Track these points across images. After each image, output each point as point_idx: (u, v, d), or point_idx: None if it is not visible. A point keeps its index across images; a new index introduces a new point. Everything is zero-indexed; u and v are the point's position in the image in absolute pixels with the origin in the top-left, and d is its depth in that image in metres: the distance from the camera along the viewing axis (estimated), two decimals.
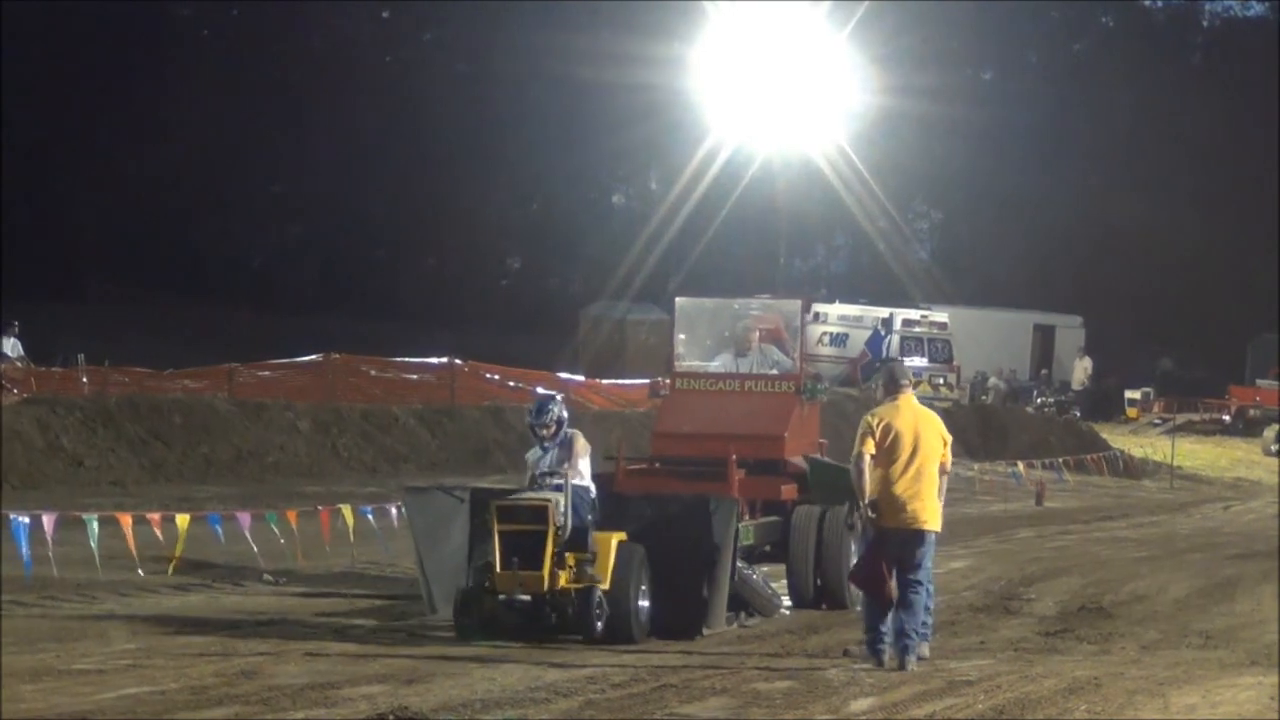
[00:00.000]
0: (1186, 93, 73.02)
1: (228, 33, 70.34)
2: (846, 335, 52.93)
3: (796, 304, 20.38)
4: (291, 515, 21.03)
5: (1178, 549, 27.06)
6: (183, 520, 19.55)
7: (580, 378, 43.36)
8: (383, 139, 67.06)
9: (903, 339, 51.72)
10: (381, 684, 13.07)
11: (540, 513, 15.46)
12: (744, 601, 17.15)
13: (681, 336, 19.66)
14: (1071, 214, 72.15)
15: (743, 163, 56.60)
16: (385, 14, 75.15)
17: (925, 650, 14.52)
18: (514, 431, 33.86)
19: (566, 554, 15.48)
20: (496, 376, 40.94)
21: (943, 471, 14.30)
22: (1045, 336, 61.16)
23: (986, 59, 78.83)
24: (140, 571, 19.26)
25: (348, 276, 68.27)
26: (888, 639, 14.00)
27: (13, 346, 39.60)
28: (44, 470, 28.68)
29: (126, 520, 19.11)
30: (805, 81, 52.63)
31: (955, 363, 53.02)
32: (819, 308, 54.96)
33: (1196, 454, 50.79)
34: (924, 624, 14.45)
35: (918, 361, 50.52)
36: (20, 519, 18.34)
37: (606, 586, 15.50)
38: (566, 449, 15.98)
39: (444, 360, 40.52)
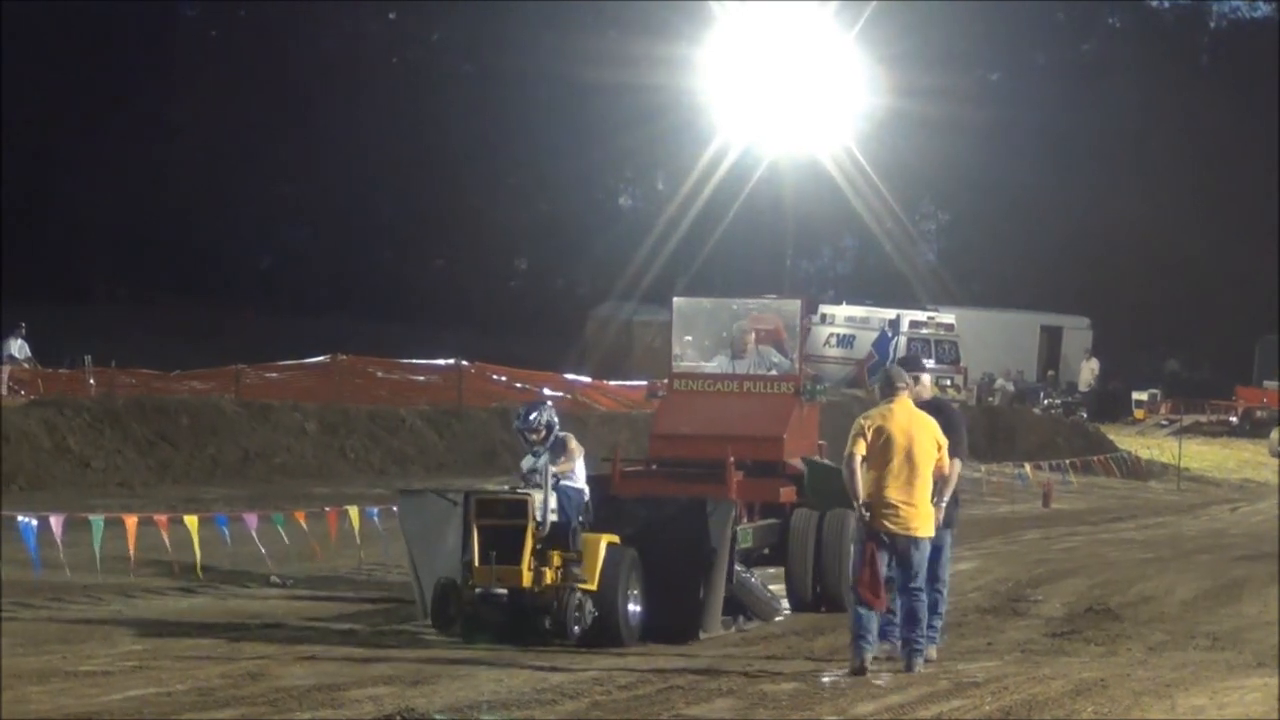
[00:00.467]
0: (1194, 93, 72.90)
1: (235, 33, 70.45)
2: (853, 337, 52.90)
3: (796, 304, 20.02)
4: (299, 517, 21.01)
5: (1185, 550, 27.04)
6: (191, 521, 19.52)
7: (587, 379, 43.37)
8: (390, 140, 67.07)
9: (909, 340, 51.68)
10: (388, 685, 13.08)
11: (518, 507, 15.39)
12: (742, 605, 17.07)
13: (684, 337, 19.44)
14: (1078, 215, 72.08)
15: (750, 164, 56.54)
16: (392, 15, 75.20)
17: (933, 652, 14.50)
18: None
19: (552, 552, 15.39)
20: (504, 378, 40.94)
21: (940, 475, 14.20)
22: (1052, 338, 61.11)
23: (994, 60, 78.75)
24: (141, 573, 19.28)
25: (355, 277, 68.29)
26: (871, 642, 13.89)
27: (20, 348, 39.70)
28: (51, 472, 28.72)
29: (132, 522, 19.10)
30: (812, 82, 52.55)
31: (962, 364, 52.98)
32: (826, 309, 54.97)
33: (1203, 455, 50.72)
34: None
35: (924, 363, 50.44)
36: (28, 520, 18.33)
37: (593, 587, 15.39)
38: (558, 452, 15.89)
39: (451, 362, 40.55)
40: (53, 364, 39.40)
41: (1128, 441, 50.81)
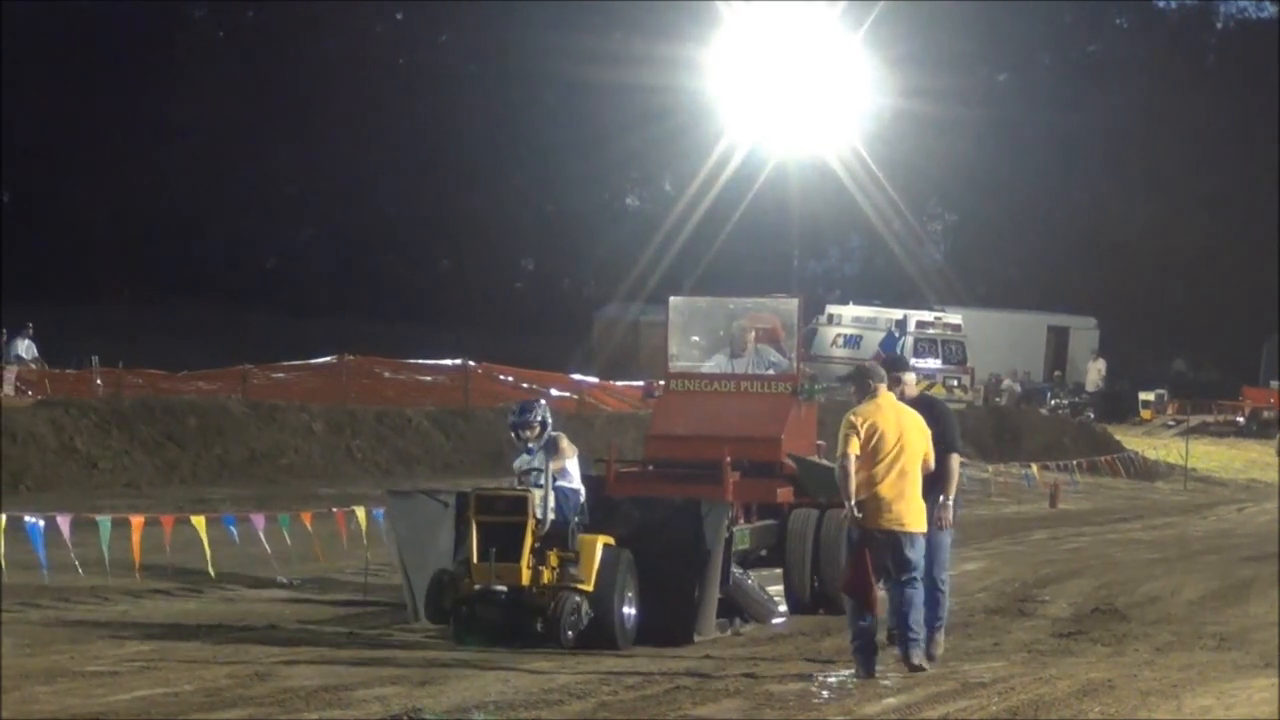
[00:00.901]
0: (1200, 94, 72.91)
1: (242, 34, 70.54)
2: (860, 337, 52.91)
3: (794, 303, 19.62)
4: (306, 517, 21.01)
5: (1191, 551, 27.03)
6: (199, 521, 19.52)
7: (594, 379, 43.39)
8: (397, 140, 67.13)
9: (916, 341, 51.70)
10: (395, 686, 13.08)
11: (519, 504, 15.31)
12: (739, 607, 16.98)
13: (684, 337, 19.30)
14: (1085, 215, 72.13)
15: (757, 164, 56.60)
16: (400, 15, 75.26)
17: (938, 650, 14.45)
18: None
19: (549, 552, 15.32)
20: (510, 378, 40.92)
21: (929, 470, 14.04)
22: (1059, 338, 61.13)
23: (1000, 60, 78.76)
24: (148, 574, 19.30)
25: (362, 278, 68.33)
26: (874, 649, 13.78)
27: (27, 348, 39.72)
28: (58, 472, 28.75)
29: (139, 522, 19.10)
30: (819, 83, 52.66)
31: (969, 364, 53.02)
32: (833, 309, 55.02)
33: (1210, 456, 50.73)
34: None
35: (931, 363, 50.53)
36: (35, 521, 18.34)
37: (589, 588, 15.30)
38: (551, 451, 15.80)
39: (458, 362, 40.56)
40: (60, 364, 39.39)
41: (1134, 442, 50.80)
